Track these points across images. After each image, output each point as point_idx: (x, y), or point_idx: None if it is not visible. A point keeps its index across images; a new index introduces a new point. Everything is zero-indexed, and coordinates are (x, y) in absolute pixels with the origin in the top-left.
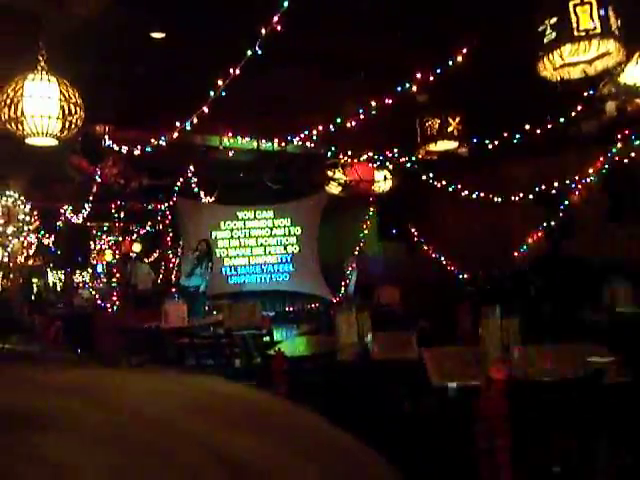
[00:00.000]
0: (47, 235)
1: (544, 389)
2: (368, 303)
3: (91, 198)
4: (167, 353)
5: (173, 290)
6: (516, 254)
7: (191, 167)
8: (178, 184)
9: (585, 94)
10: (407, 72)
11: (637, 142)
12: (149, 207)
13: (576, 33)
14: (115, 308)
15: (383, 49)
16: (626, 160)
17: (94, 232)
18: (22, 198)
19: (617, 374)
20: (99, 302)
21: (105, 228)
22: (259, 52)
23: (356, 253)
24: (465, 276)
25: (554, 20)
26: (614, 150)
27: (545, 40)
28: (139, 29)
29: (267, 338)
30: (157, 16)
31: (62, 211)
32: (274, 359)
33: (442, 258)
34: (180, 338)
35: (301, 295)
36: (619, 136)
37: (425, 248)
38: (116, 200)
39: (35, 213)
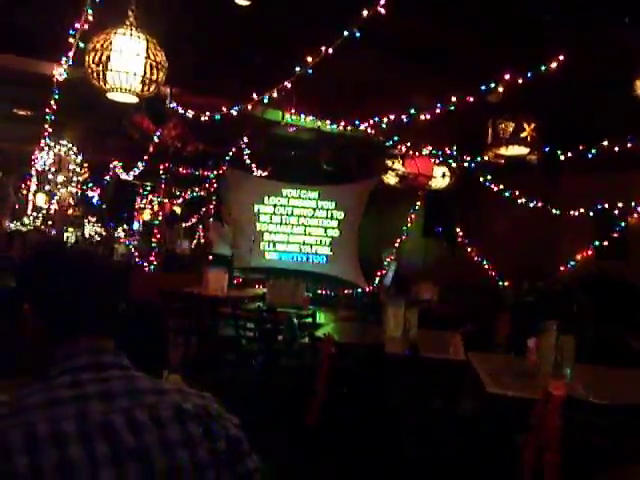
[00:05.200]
0: (94, 188)
1: (602, 411)
2: (404, 297)
3: (145, 157)
4: (205, 321)
5: (210, 257)
6: (562, 269)
7: (245, 138)
8: (230, 153)
9: None
10: (487, 71)
11: None
12: (197, 173)
13: None
14: (152, 267)
15: (468, 45)
16: None
17: (139, 190)
18: (75, 149)
19: None
20: (136, 259)
21: (149, 188)
22: (357, 34)
23: (397, 245)
24: (506, 284)
25: None
26: None
27: None
28: None
29: (309, 319)
30: None
31: (112, 166)
32: (324, 342)
33: (484, 262)
34: (220, 307)
35: (335, 279)
36: None
37: (469, 250)
38: (166, 162)
39: (86, 165)
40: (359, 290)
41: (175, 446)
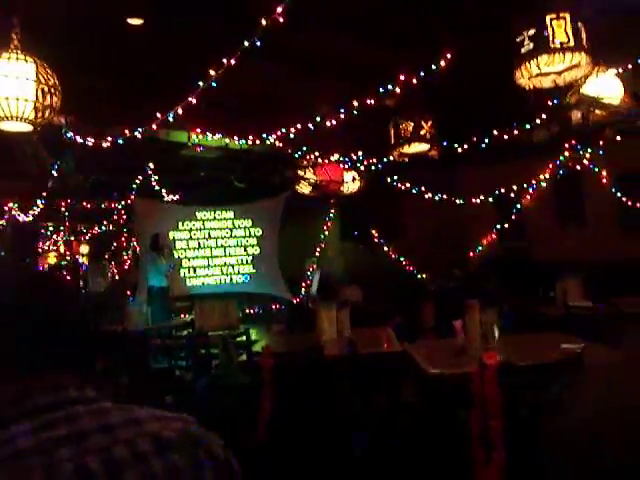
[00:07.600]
0: None
1: (530, 372)
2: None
3: (44, 194)
4: (132, 356)
5: (129, 293)
6: (471, 255)
7: (151, 164)
8: (137, 182)
9: (550, 103)
10: (382, 75)
11: (581, 151)
12: (102, 206)
13: (552, 45)
14: None
15: (360, 51)
16: (578, 167)
17: (41, 232)
18: None
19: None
20: None
21: (51, 228)
22: (257, 43)
23: (317, 254)
24: (424, 276)
25: (532, 32)
26: (562, 158)
27: (523, 50)
28: (115, 13)
29: (243, 337)
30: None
31: (7, 209)
32: (263, 355)
33: (402, 259)
34: (149, 340)
35: (260, 296)
36: (566, 145)
37: (385, 249)
38: (67, 198)
39: None
40: (287, 303)
41: None
